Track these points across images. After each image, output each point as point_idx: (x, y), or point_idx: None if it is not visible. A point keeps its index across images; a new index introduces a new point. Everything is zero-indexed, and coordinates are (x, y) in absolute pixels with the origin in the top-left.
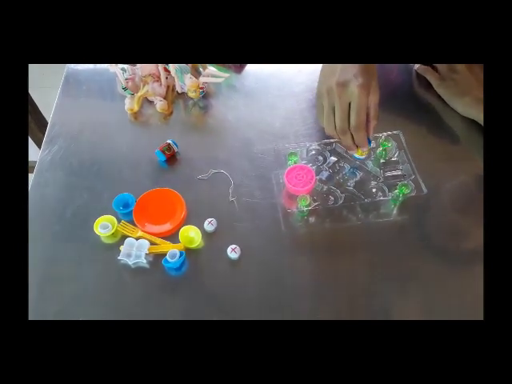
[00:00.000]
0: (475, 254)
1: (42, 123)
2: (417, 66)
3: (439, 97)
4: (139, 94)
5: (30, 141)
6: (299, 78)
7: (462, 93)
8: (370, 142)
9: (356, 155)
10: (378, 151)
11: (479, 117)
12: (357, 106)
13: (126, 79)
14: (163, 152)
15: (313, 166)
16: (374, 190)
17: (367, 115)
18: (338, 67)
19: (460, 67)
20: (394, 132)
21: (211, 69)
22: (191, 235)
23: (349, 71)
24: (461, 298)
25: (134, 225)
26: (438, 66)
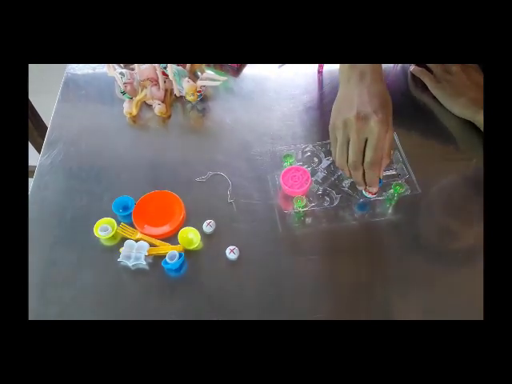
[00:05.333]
0: (472, 253)
1: (42, 128)
2: (412, 67)
3: (435, 98)
4: (138, 97)
5: (30, 145)
6: (296, 81)
7: (456, 94)
8: (380, 181)
9: (365, 194)
10: None
11: (474, 117)
12: (375, 142)
13: (125, 83)
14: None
15: (308, 167)
16: None
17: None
18: (355, 101)
19: (454, 69)
20: None
21: (209, 72)
22: (190, 237)
23: (367, 105)
24: (460, 297)
25: (134, 227)
26: (433, 67)
